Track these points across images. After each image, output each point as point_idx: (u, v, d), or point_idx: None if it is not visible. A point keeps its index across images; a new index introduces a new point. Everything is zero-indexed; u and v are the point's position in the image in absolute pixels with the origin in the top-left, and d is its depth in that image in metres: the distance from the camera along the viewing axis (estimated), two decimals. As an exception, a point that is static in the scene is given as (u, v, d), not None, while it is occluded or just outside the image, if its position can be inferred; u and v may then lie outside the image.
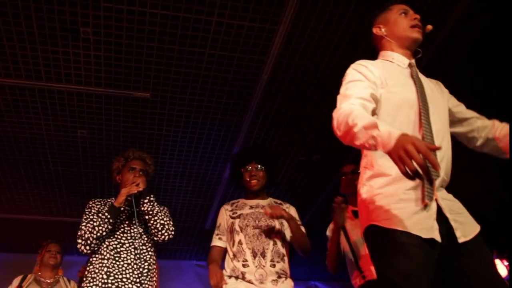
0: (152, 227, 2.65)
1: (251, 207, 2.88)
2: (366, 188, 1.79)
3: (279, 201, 3.00)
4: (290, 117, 3.85)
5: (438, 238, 1.62)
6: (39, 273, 3.72)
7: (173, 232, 2.72)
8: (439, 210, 1.67)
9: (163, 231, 2.66)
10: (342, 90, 1.85)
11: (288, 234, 2.82)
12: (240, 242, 2.72)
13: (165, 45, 3.05)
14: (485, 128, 1.94)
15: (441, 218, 1.66)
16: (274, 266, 2.67)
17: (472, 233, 1.69)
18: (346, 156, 4.33)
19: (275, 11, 2.88)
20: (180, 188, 4.80)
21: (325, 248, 3.06)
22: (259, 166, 2.93)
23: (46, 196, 4.81)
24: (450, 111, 1.96)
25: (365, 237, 1.79)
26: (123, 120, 3.73)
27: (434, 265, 1.61)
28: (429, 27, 1.95)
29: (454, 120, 1.97)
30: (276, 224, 2.79)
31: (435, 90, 1.93)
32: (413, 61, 1.96)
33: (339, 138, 1.67)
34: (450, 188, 1.88)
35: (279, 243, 2.75)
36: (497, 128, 1.92)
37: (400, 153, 1.40)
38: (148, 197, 2.67)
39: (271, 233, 2.75)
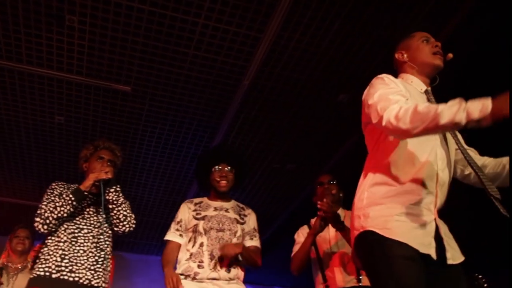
0: (115, 217, 2.65)
1: (215, 209, 2.88)
2: (368, 195, 1.83)
3: (241, 205, 3.01)
4: (268, 125, 3.89)
5: (434, 255, 1.69)
6: (8, 258, 3.67)
7: (134, 226, 2.71)
8: (437, 230, 1.74)
9: (125, 223, 2.66)
10: (377, 96, 1.82)
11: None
12: (201, 245, 2.72)
13: (150, 41, 3.06)
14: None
15: (437, 238, 1.72)
16: (229, 271, 2.69)
17: (458, 259, 1.76)
18: (321, 167, 4.40)
19: (262, 20, 2.92)
20: (153, 184, 4.80)
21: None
22: (230, 167, 2.94)
23: (17, 179, 4.76)
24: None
25: (357, 242, 1.81)
26: (102, 111, 3.72)
27: (425, 280, 1.66)
28: (450, 55, 2.00)
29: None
30: (238, 230, 2.81)
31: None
32: (429, 88, 2.00)
33: (404, 132, 1.64)
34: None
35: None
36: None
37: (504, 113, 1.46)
38: (114, 187, 2.66)
39: (233, 237, 2.77)
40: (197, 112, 3.73)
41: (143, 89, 3.49)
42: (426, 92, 1.97)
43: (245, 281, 7.06)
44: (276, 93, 3.54)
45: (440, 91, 2.03)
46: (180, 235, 2.83)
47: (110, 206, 2.65)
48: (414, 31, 2.34)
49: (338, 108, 3.68)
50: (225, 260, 2.69)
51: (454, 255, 1.76)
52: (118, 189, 2.67)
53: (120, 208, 2.65)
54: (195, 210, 2.88)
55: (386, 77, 1.92)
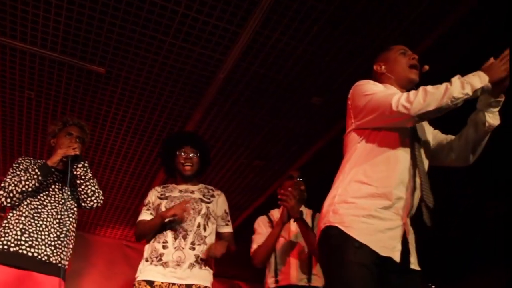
0: (83, 193, 2.64)
1: (180, 191, 2.88)
2: (340, 192, 1.88)
3: (210, 187, 3.01)
4: (240, 120, 3.91)
5: (396, 258, 1.74)
6: None
7: (102, 201, 2.71)
8: (404, 234, 1.79)
9: (93, 198, 2.66)
10: (371, 91, 1.92)
11: (213, 223, 2.84)
12: (164, 226, 2.71)
13: (127, 25, 3.04)
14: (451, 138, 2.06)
15: (403, 243, 1.78)
16: (193, 249, 2.67)
17: (417, 267, 1.83)
18: (288, 167, 4.45)
19: (242, 15, 2.93)
20: (120, 168, 4.77)
21: None
22: (194, 151, 2.94)
23: (-19, 150, 4.67)
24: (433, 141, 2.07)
25: (321, 236, 1.85)
26: (74, 90, 3.67)
27: (383, 284, 1.73)
28: (426, 67, 2.06)
29: (435, 147, 2.07)
30: (203, 208, 2.81)
31: (424, 127, 2.04)
32: None
33: (418, 112, 1.72)
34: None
35: (202, 227, 2.77)
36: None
37: (503, 68, 1.70)
38: (82, 162, 2.65)
39: (196, 215, 2.77)
40: (170, 100, 3.72)
41: (117, 72, 3.45)
42: None
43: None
44: (251, 89, 3.56)
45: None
46: (151, 214, 2.84)
47: (78, 182, 2.63)
48: (392, 42, 2.41)
49: (310, 110, 3.72)
50: (189, 237, 2.69)
51: (416, 262, 1.82)
52: (86, 164, 2.67)
53: (88, 183, 2.64)
54: (160, 192, 2.89)
55: (370, 81, 2.02)
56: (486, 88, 1.72)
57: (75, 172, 2.62)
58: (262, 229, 3.09)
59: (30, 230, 2.48)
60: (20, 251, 2.42)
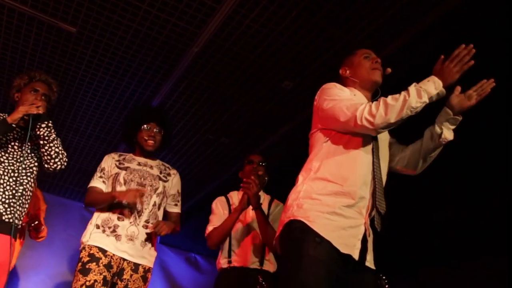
0: (46, 154, 2.54)
1: (139, 164, 2.88)
2: (306, 188, 1.93)
3: (167, 165, 3.03)
4: (209, 95, 3.90)
5: (355, 256, 1.80)
6: None
7: (65, 163, 2.63)
8: (365, 233, 1.86)
9: (57, 160, 2.57)
10: (337, 97, 2.00)
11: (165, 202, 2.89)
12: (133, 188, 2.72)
13: (103, -13, 2.97)
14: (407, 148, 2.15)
15: (363, 241, 1.85)
16: (146, 227, 2.73)
17: (372, 265, 1.90)
18: (254, 147, 4.48)
19: (221, -9, 2.90)
20: (85, 131, 4.70)
21: None
22: (159, 128, 2.94)
23: None
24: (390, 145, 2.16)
25: (284, 229, 1.90)
26: (42, 47, 3.57)
27: (340, 279, 1.80)
28: (388, 70, 2.14)
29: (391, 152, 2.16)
30: (160, 186, 2.83)
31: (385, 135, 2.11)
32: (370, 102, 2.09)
33: (380, 125, 1.82)
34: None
35: (157, 206, 2.80)
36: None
37: (455, 70, 1.79)
38: (46, 122, 2.53)
39: (152, 193, 2.79)
40: (141, 68, 3.67)
41: (89, 34, 3.38)
42: None
43: (162, 242, 7.09)
44: (222, 65, 3.54)
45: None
46: (104, 182, 2.83)
47: (41, 142, 2.53)
48: (367, 36, 2.44)
49: (280, 93, 3.74)
50: (144, 214, 2.71)
51: (371, 260, 1.89)
52: (50, 124, 2.55)
53: (52, 145, 2.54)
54: (118, 160, 2.88)
55: (337, 85, 2.09)
56: (441, 94, 1.81)
57: (38, 132, 2.51)
58: (219, 210, 3.11)
59: None
60: None
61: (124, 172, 2.80)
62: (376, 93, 2.16)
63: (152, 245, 2.80)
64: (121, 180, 2.77)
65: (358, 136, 1.95)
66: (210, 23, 3.15)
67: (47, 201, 6.09)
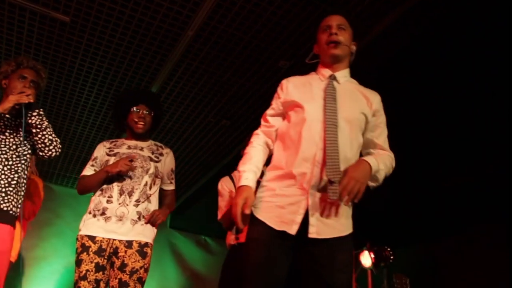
0: (39, 142, 2.53)
1: (129, 147, 2.88)
2: (264, 177, 2.03)
3: (159, 144, 3.02)
4: (207, 78, 3.89)
5: (292, 231, 1.83)
6: None
7: (60, 150, 2.61)
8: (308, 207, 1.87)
9: (51, 147, 2.56)
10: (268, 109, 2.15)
11: (158, 182, 2.90)
12: (111, 180, 2.72)
13: (93, -26, 2.95)
14: None
15: (305, 214, 1.86)
16: (137, 206, 2.72)
17: (328, 234, 1.85)
18: (255, 127, 4.46)
19: (211, -28, 2.87)
20: (87, 120, 4.71)
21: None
22: (148, 110, 2.93)
23: None
24: (368, 124, 2.04)
25: None
26: (37, 38, 3.57)
27: (284, 254, 1.86)
28: (340, 38, 2.04)
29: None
30: (151, 167, 2.84)
31: (354, 98, 2.02)
32: (337, 73, 2.05)
33: None
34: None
35: (148, 185, 2.81)
36: None
37: (232, 202, 1.88)
38: (37, 110, 2.52)
39: (144, 174, 2.80)
40: (137, 54, 3.66)
41: (82, 22, 3.36)
42: (329, 77, 2.05)
43: (172, 227, 7.16)
44: (219, 48, 3.52)
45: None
46: (95, 170, 2.83)
47: (34, 131, 2.52)
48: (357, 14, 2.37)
49: (277, 73, 3.72)
50: (134, 194, 2.73)
51: (323, 230, 1.85)
52: (41, 112, 2.54)
53: (45, 133, 2.53)
54: (109, 148, 2.88)
55: (281, 85, 2.12)
56: None
57: (29, 121, 2.50)
58: (224, 190, 3.20)
59: None
60: None
61: (113, 158, 2.81)
62: (343, 61, 2.08)
63: (147, 222, 2.77)
64: None
65: (301, 113, 1.97)
66: (203, 6, 3.12)
67: (56, 193, 6.21)
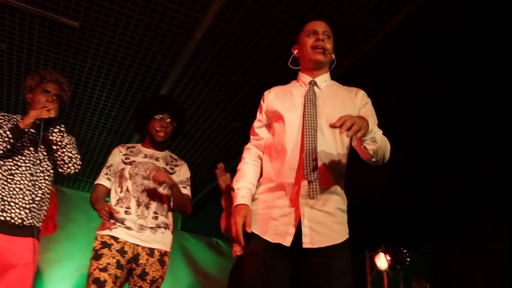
0: (59, 159, 2.54)
1: (145, 156, 2.87)
2: (257, 190, 2.02)
3: (174, 156, 3.02)
4: (217, 80, 3.87)
5: (286, 243, 1.82)
6: None
7: (79, 166, 2.61)
8: (300, 218, 1.85)
9: (70, 164, 2.56)
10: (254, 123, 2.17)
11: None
12: (127, 189, 2.73)
13: (101, -22, 2.94)
14: None
15: (298, 225, 1.84)
16: (156, 218, 2.74)
17: (322, 243, 1.83)
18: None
19: (219, -26, 2.85)
20: (97, 124, 4.73)
21: None
22: (171, 119, 2.93)
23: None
24: None
25: None
26: (47, 43, 3.58)
27: (281, 266, 1.84)
28: (327, 46, 2.05)
29: None
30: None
31: (339, 103, 2.00)
32: (318, 78, 2.06)
33: None
34: (352, 184, 2.05)
35: (165, 197, 2.81)
36: None
37: (231, 221, 1.84)
38: (58, 126, 2.53)
39: (159, 186, 2.79)
40: (146, 58, 3.65)
41: (91, 27, 3.36)
42: (310, 83, 2.05)
43: (183, 229, 7.16)
44: (228, 49, 3.50)
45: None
46: (108, 178, 2.84)
47: (54, 147, 2.52)
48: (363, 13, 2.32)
49: (288, 73, 3.67)
50: (151, 207, 2.73)
51: (317, 240, 1.82)
52: (62, 129, 2.54)
53: (64, 150, 2.53)
54: (125, 155, 2.87)
55: (263, 96, 2.16)
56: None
57: (50, 137, 2.51)
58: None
59: (4, 194, 2.42)
60: None
61: (129, 166, 2.80)
62: (326, 66, 2.09)
63: (166, 228, 2.79)
64: (127, 175, 2.78)
65: (281, 124, 1.99)
66: (211, 7, 3.10)
67: (67, 196, 6.24)
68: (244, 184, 1.96)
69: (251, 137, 2.14)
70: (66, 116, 4.55)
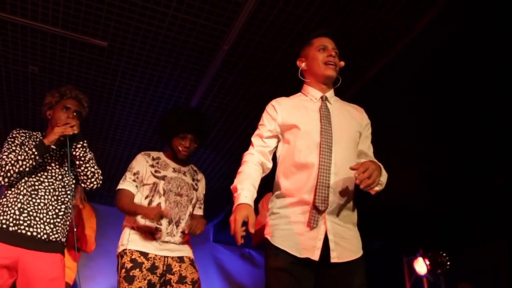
0: (82, 174, 2.58)
1: (174, 170, 2.89)
2: (272, 204, 2.03)
3: (194, 168, 3.07)
4: (245, 91, 3.88)
5: (315, 257, 1.84)
6: None
7: (101, 181, 2.65)
8: (327, 232, 1.88)
9: (93, 179, 2.60)
10: (254, 133, 2.19)
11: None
12: (159, 205, 2.74)
13: (128, -2, 2.98)
14: None
15: (325, 240, 1.87)
16: (183, 237, 2.80)
17: (347, 258, 1.88)
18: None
19: (245, -14, 2.86)
20: (127, 141, 4.78)
21: None
22: (195, 140, 2.93)
23: (-11, 125, 4.69)
24: (360, 137, 2.13)
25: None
26: (77, 65, 3.64)
27: (308, 280, 1.86)
28: (342, 63, 2.15)
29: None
30: (194, 197, 2.84)
31: (347, 119, 2.08)
32: (327, 93, 2.12)
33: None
34: (386, 187, 2.03)
35: (191, 214, 2.84)
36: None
37: (231, 218, 1.81)
38: (81, 142, 2.57)
39: (189, 203, 2.80)
40: (174, 73, 3.69)
41: (120, 46, 3.41)
42: (321, 98, 2.11)
43: (215, 241, 7.17)
44: (255, 60, 3.51)
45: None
46: (136, 186, 2.81)
47: (77, 163, 2.57)
48: (388, 20, 2.31)
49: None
50: (181, 224, 2.75)
51: (342, 254, 1.87)
52: (85, 144, 2.59)
53: (88, 165, 2.58)
54: (153, 166, 2.86)
55: (269, 107, 2.23)
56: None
57: (73, 153, 2.55)
58: (263, 208, 3.13)
59: (29, 209, 2.45)
60: (19, 230, 2.41)
61: (162, 182, 2.81)
62: (337, 81, 2.15)
63: (187, 242, 2.86)
64: (161, 191, 2.79)
65: (299, 139, 2.00)
66: (237, 19, 3.11)
67: (99, 212, 6.31)
68: (248, 186, 1.94)
69: (255, 143, 2.15)
70: (97, 134, 4.61)
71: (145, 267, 2.63)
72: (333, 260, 1.84)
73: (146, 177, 2.83)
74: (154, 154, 2.97)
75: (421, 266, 4.85)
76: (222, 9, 3.03)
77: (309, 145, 1.97)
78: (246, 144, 4.63)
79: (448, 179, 4.38)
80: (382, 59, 3.35)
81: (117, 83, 3.86)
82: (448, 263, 4.68)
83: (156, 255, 2.67)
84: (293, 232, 1.88)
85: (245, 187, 1.92)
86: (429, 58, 3.27)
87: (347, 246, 1.90)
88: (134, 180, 2.81)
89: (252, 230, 1.78)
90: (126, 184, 2.81)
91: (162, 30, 3.24)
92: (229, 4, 2.99)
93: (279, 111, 2.13)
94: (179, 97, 3.99)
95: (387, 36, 3.19)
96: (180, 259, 2.73)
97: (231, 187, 1.99)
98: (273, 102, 2.20)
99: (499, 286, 4.78)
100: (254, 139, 2.17)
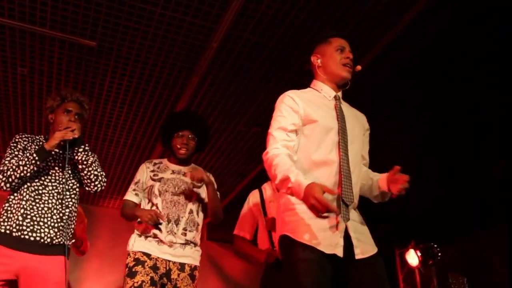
0: (85, 177, 2.57)
1: (173, 172, 2.90)
2: (284, 200, 1.98)
3: (200, 168, 3.06)
4: (235, 87, 3.90)
5: (340, 253, 1.84)
6: None
7: (105, 184, 2.64)
8: (346, 228, 1.89)
9: (96, 182, 2.58)
10: (271, 127, 2.06)
11: (205, 201, 2.89)
12: (157, 206, 2.76)
13: (116, -3, 3.00)
14: (367, 176, 2.13)
15: (346, 236, 1.87)
16: (185, 234, 2.76)
17: (369, 252, 1.90)
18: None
19: (231, -17, 2.88)
20: (118, 140, 4.79)
21: None
22: (193, 136, 2.95)
23: (-21, 127, 4.68)
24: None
25: (279, 245, 1.98)
26: (67, 65, 3.65)
27: (329, 276, 1.84)
28: (358, 67, 2.16)
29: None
30: (196, 193, 2.86)
31: (356, 121, 2.13)
32: (339, 93, 2.14)
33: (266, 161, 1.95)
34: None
35: (195, 212, 2.83)
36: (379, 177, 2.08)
37: (309, 203, 1.70)
38: (83, 146, 2.56)
39: (188, 201, 2.81)
40: (164, 71, 3.70)
41: (108, 46, 3.42)
42: (335, 97, 2.12)
43: (209, 239, 7.17)
44: (244, 57, 3.53)
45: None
46: (136, 194, 2.87)
47: (80, 167, 2.56)
48: (374, 16, 2.33)
49: (304, 77, 3.68)
50: (181, 223, 2.76)
51: (365, 250, 1.90)
52: (86, 148, 2.57)
53: (90, 168, 2.55)
54: (153, 171, 2.90)
55: (287, 99, 2.07)
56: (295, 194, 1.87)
57: (76, 157, 2.55)
58: (250, 211, 3.13)
59: (32, 215, 2.45)
60: (22, 236, 2.40)
61: (158, 183, 2.83)
62: (345, 84, 2.16)
63: (196, 245, 2.84)
64: (156, 192, 2.81)
65: (322, 138, 1.98)
66: (225, 16, 3.13)
67: (93, 213, 6.31)
68: (296, 170, 1.84)
69: (278, 137, 1.99)
70: (88, 133, 4.62)
71: (147, 265, 2.67)
72: (357, 257, 1.85)
73: (146, 183, 2.88)
74: (157, 160, 3.01)
75: (412, 258, 4.91)
76: (210, 6, 3.05)
77: (327, 142, 1.97)
78: (238, 140, 4.71)
79: (439, 172, 4.44)
80: (369, 53, 3.40)
81: (107, 82, 3.87)
82: (439, 254, 4.74)
83: (158, 257, 2.70)
84: (317, 227, 1.86)
85: (295, 172, 1.82)
86: (418, 51, 3.31)
87: (367, 241, 1.94)
88: (134, 190, 2.88)
89: (331, 192, 1.76)
90: (128, 195, 2.89)
91: (151, 28, 3.25)
92: (216, 1, 3.01)
93: (300, 104, 2.03)
94: (170, 94, 4.01)
95: (373, 31, 3.23)
96: (181, 267, 2.73)
97: (276, 183, 1.89)
98: (290, 93, 2.09)
99: (489, 277, 4.86)
100: (276, 133, 2.00)
